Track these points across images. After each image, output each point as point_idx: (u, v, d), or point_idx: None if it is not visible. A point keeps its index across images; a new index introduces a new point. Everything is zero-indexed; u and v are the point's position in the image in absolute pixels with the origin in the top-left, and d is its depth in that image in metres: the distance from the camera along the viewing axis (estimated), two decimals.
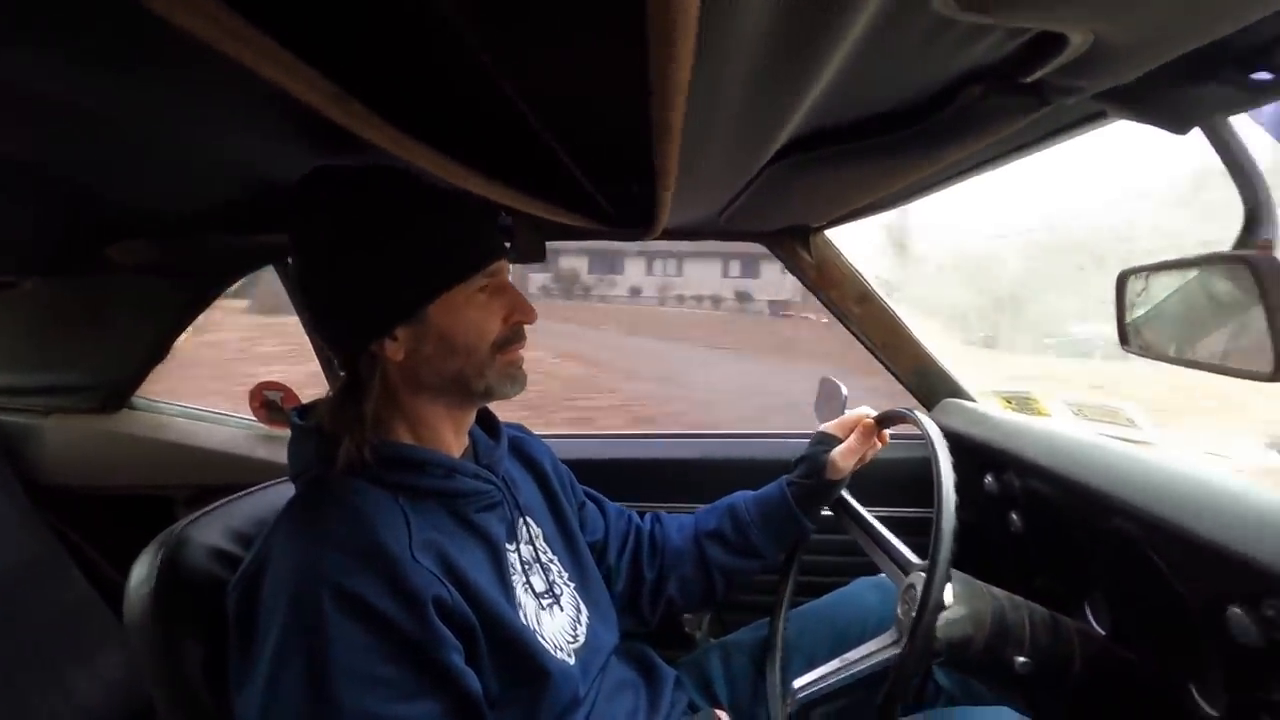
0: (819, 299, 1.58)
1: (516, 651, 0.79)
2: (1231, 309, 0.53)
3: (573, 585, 0.97)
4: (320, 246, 0.79)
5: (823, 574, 1.42)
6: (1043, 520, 1.18)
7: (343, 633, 0.66)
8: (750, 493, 1.19)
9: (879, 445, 1.16)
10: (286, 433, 0.86)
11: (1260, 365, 0.52)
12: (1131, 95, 0.53)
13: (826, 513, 1.19)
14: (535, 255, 1.42)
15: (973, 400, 1.52)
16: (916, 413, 1.03)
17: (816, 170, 0.90)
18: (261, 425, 1.76)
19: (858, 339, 1.58)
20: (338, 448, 0.78)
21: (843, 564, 1.39)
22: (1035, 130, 0.72)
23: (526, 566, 0.90)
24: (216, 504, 0.95)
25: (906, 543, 1.06)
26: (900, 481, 1.45)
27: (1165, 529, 0.83)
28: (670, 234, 1.52)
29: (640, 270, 24.48)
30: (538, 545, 0.95)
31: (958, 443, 1.43)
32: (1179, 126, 0.53)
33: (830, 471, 1.14)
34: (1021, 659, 0.94)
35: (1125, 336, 0.71)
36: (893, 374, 1.59)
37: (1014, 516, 1.25)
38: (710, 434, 1.80)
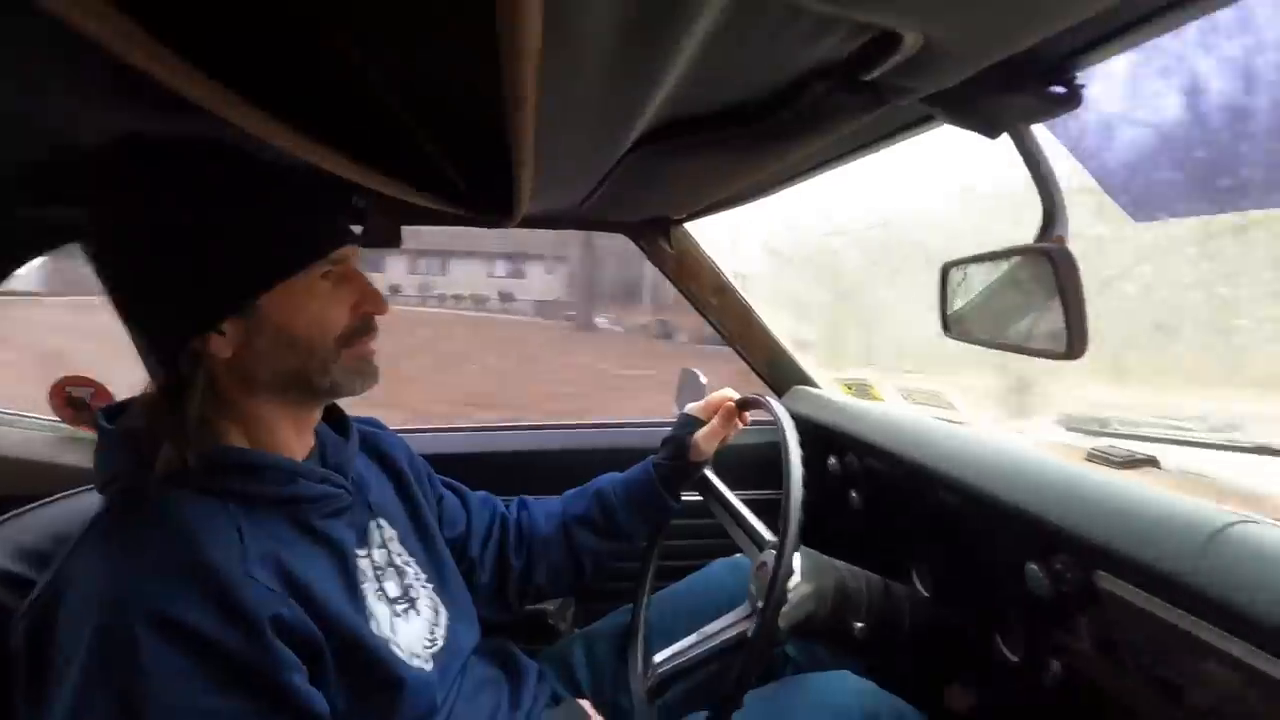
0: (680, 291, 1.62)
1: (367, 664, 0.74)
2: (1035, 296, 0.61)
3: (431, 586, 0.93)
4: (130, 226, 0.68)
5: (682, 558, 1.46)
6: (878, 496, 1.28)
7: (162, 665, 0.58)
8: (617, 475, 1.20)
9: (739, 427, 1.21)
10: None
11: (1058, 346, 0.59)
12: (954, 100, 0.58)
13: (690, 497, 1.23)
14: (390, 240, 1.34)
15: (819, 387, 1.63)
16: (769, 399, 1.08)
17: (675, 161, 0.92)
18: (66, 426, 1.52)
19: (715, 329, 1.63)
20: (156, 452, 0.68)
21: (700, 547, 1.44)
22: (874, 130, 0.77)
23: (379, 572, 0.84)
24: (3, 517, 0.81)
25: (762, 522, 1.11)
26: (755, 466, 1.52)
27: (976, 497, 0.93)
28: (531, 222, 1.49)
29: (402, 269, 24.02)
30: (392, 548, 0.89)
31: (805, 428, 1.52)
32: (991, 131, 0.59)
33: (694, 453, 1.17)
34: (860, 625, 1.02)
35: (947, 324, 0.78)
36: (747, 363, 1.66)
37: (854, 494, 1.36)
38: (577, 424, 1.79)
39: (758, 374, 1.67)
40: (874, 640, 1.04)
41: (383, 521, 0.90)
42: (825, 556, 1.06)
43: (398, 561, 0.89)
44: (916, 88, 0.55)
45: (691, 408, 1.23)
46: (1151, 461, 0.91)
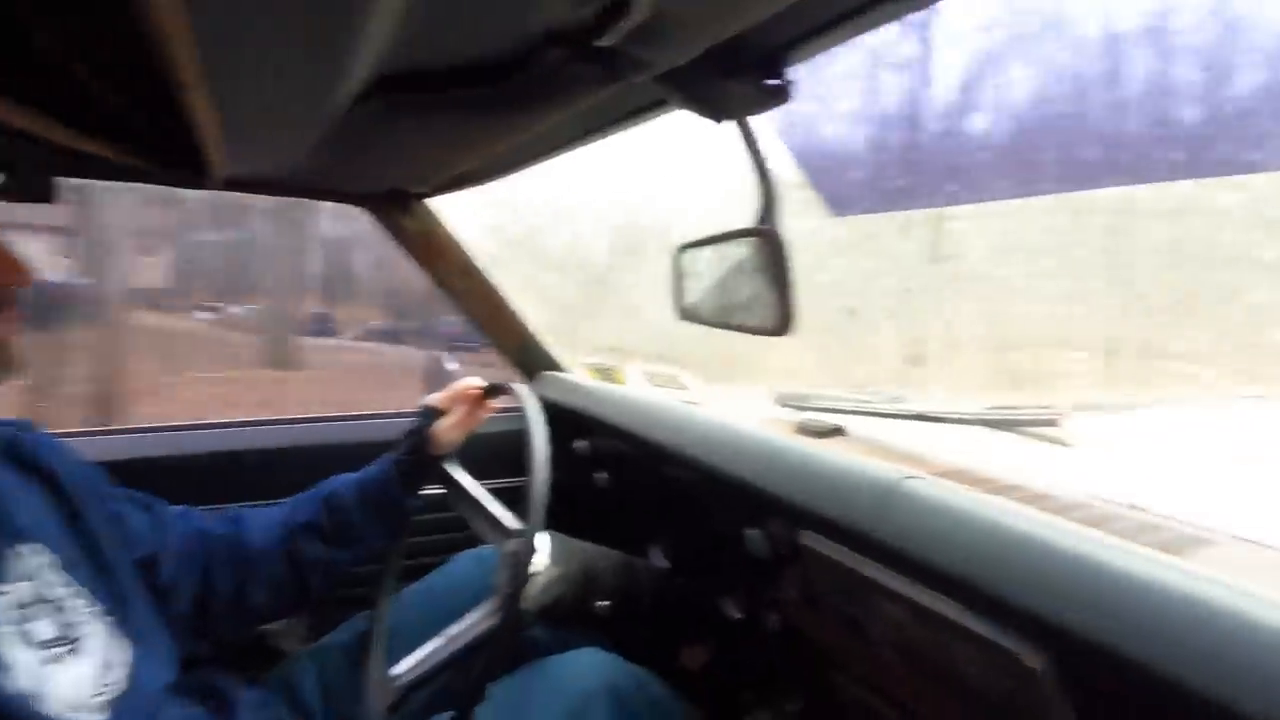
0: (424, 272, 1.51)
1: None
2: (751, 277, 0.65)
3: (107, 621, 0.75)
4: None
5: (429, 554, 1.37)
6: (622, 475, 1.32)
7: None
8: (350, 475, 1.08)
9: (485, 416, 1.16)
10: None
11: (769, 324, 0.64)
12: (684, 83, 0.60)
13: (432, 491, 1.15)
14: (38, 193, 1.05)
15: (567, 372, 1.64)
16: (516, 384, 1.05)
17: (406, 125, 0.84)
18: None
19: (462, 314, 1.56)
20: None
21: (447, 541, 1.36)
22: (614, 110, 0.77)
23: (24, 611, 0.66)
24: None
25: (512, 511, 1.08)
26: (505, 453, 1.49)
27: (703, 471, 1.00)
28: (240, 185, 1.28)
29: None
30: (44, 579, 0.70)
31: (554, 412, 1.52)
32: (717, 117, 0.62)
33: (436, 445, 1.10)
34: (603, 603, 1.04)
35: (680, 306, 0.82)
36: (497, 349, 1.61)
37: (600, 475, 1.39)
38: (303, 418, 1.59)
39: (508, 359, 1.63)
40: (617, 616, 1.07)
41: (29, 548, 0.70)
42: (573, 539, 1.06)
43: (54, 595, 0.70)
44: (648, 61, 0.55)
45: (432, 398, 1.16)
46: (840, 431, 1.06)
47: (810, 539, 0.80)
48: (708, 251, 0.75)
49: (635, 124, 0.78)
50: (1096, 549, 0.55)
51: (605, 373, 1.65)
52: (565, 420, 1.45)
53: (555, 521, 0.93)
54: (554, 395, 1.51)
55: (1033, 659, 0.55)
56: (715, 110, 0.61)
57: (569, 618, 1.06)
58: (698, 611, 1.14)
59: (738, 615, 1.03)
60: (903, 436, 1.07)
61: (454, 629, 0.97)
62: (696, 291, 0.78)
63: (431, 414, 1.13)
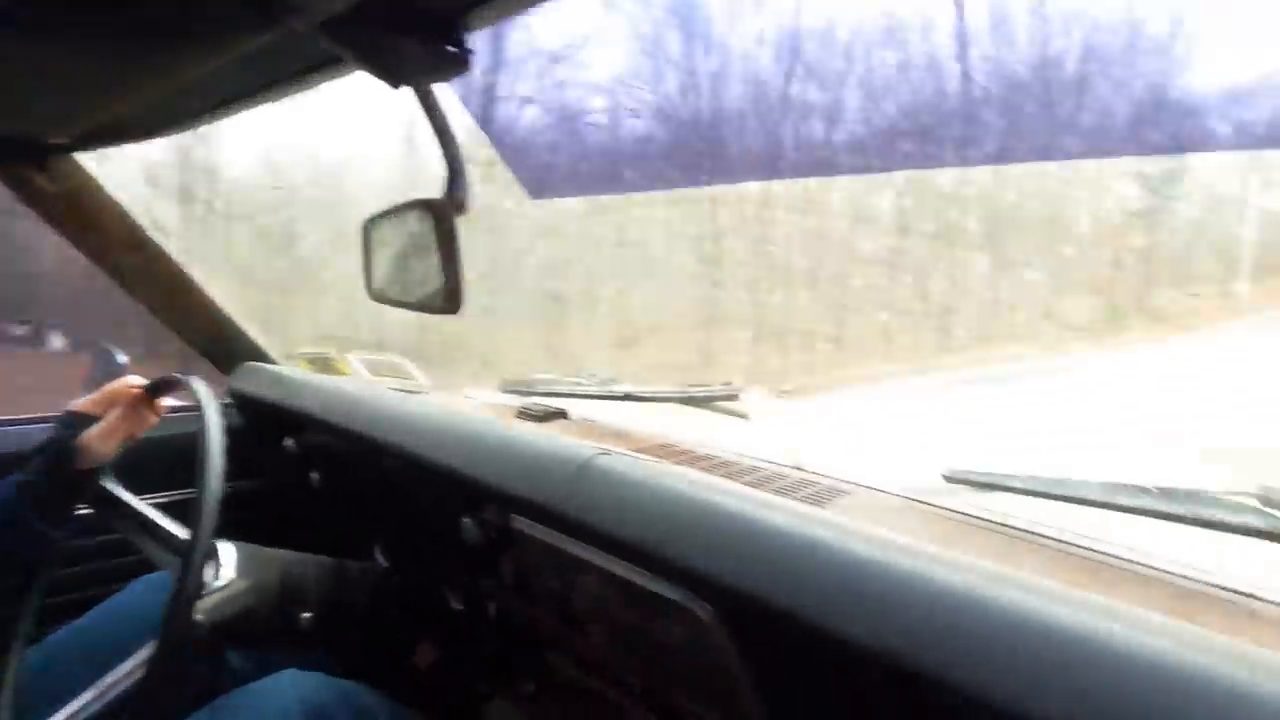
0: (74, 244, 1.24)
1: None
2: (425, 251, 0.62)
3: None
4: None
5: (84, 588, 1.13)
6: (338, 474, 1.22)
7: None
8: None
9: (153, 420, 0.98)
10: None
11: (443, 301, 0.61)
12: (355, 37, 0.54)
13: (85, 510, 0.95)
14: None
15: (275, 362, 1.46)
16: (189, 377, 0.90)
17: (20, 54, 0.67)
18: None
19: (133, 297, 1.30)
20: None
21: (110, 570, 1.14)
22: (284, 65, 0.69)
23: None
24: None
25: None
26: (185, 459, 1.29)
27: (419, 463, 0.95)
28: None
29: None
30: None
31: (259, 408, 1.35)
32: (394, 81, 0.57)
33: (83, 459, 0.90)
34: (307, 615, 0.94)
35: (370, 285, 0.76)
36: (182, 338, 1.38)
37: (314, 475, 1.26)
38: None
39: (198, 351, 1.41)
40: (326, 626, 0.98)
41: None
42: (266, 549, 0.95)
43: None
44: (302, 6, 0.49)
45: (77, 403, 0.95)
46: (562, 414, 1.08)
47: (520, 523, 0.80)
48: (391, 225, 0.70)
49: (312, 83, 0.70)
50: (748, 506, 0.62)
51: (323, 363, 1.50)
52: (273, 417, 1.29)
53: (262, 529, 0.82)
54: (258, 390, 1.34)
55: (703, 612, 0.61)
56: (390, 73, 0.57)
57: (268, 637, 0.94)
58: (423, 609, 1.09)
59: (458, 606, 1.00)
60: (617, 416, 1.12)
61: (110, 677, 0.81)
62: (382, 268, 0.73)
63: (77, 421, 0.93)
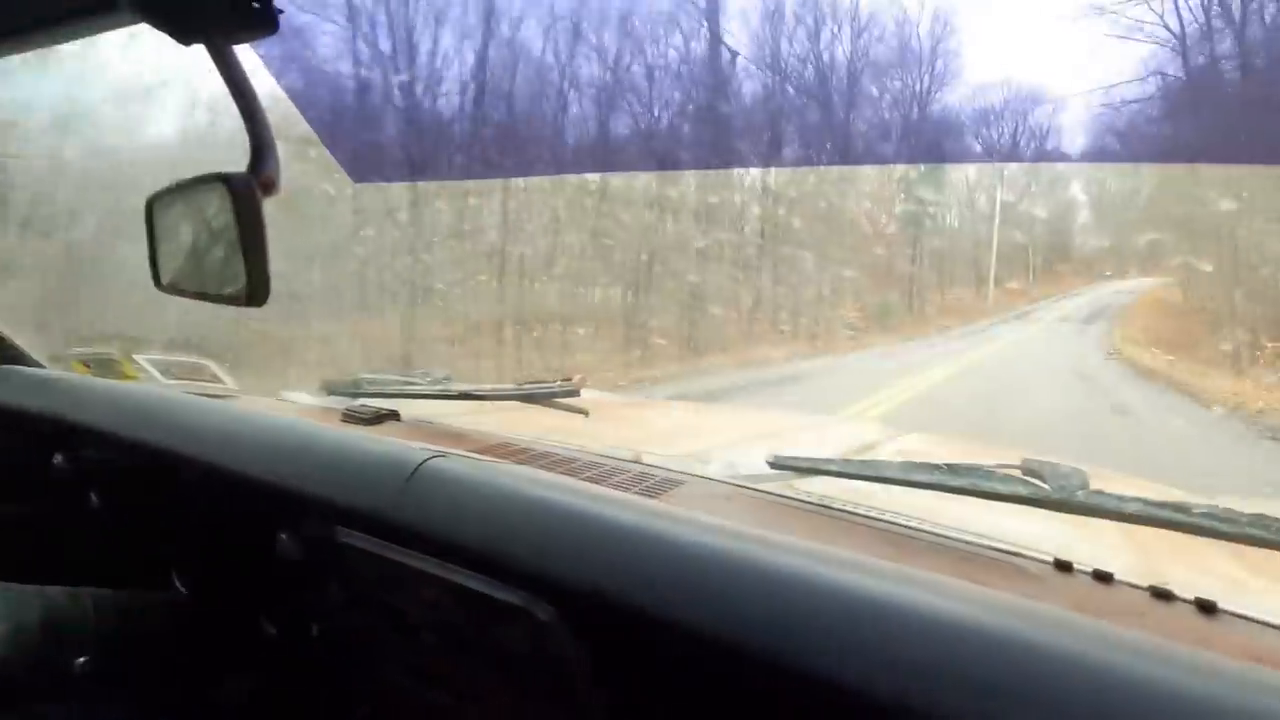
0: None
1: None
2: (224, 236, 0.55)
3: None
4: None
5: None
6: (124, 493, 1.06)
7: None
8: None
9: None
10: None
11: (245, 292, 0.55)
12: None
13: None
14: None
15: (42, 366, 1.24)
16: None
17: None
18: None
19: None
20: None
21: None
22: (50, 5, 0.58)
23: None
24: None
25: None
26: None
27: (226, 477, 0.85)
28: None
29: None
30: None
31: (21, 419, 1.15)
32: (184, 37, 0.50)
33: None
34: (82, 660, 0.81)
35: (158, 274, 0.66)
36: None
37: (93, 496, 1.09)
38: None
39: None
40: (106, 670, 0.85)
41: None
42: (24, 586, 0.80)
43: None
44: None
45: None
46: (394, 415, 1.01)
47: (346, 535, 0.74)
48: (180, 204, 0.61)
49: (89, 28, 0.60)
50: (583, 502, 0.62)
51: (104, 365, 1.30)
52: (38, 430, 1.10)
53: (27, 563, 0.69)
54: (18, 398, 1.13)
55: (544, 613, 0.59)
56: (179, 27, 0.50)
57: (26, 688, 0.80)
58: (231, 638, 0.98)
59: (275, 632, 0.91)
60: (452, 416, 1.07)
61: None
62: (172, 255, 0.64)
63: None
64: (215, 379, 1.24)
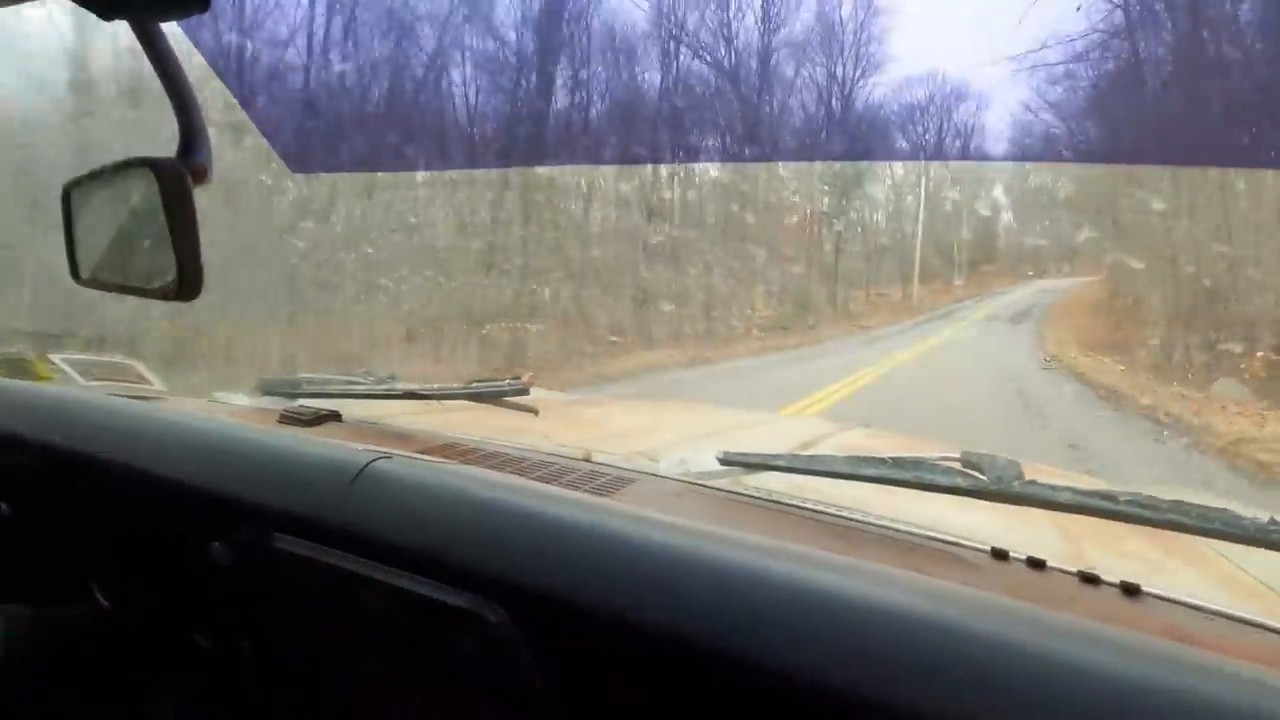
0: None
1: None
2: (150, 225, 0.52)
3: None
4: None
5: None
6: (37, 502, 0.99)
7: None
8: None
9: None
10: None
11: (176, 286, 0.52)
12: None
13: None
14: None
15: None
16: None
17: None
18: None
19: None
20: None
21: None
22: None
23: None
24: None
25: None
26: None
27: (153, 482, 0.80)
28: None
29: None
30: None
31: None
32: (104, 10, 0.47)
33: None
34: None
35: (76, 266, 0.61)
36: None
37: (2, 505, 1.02)
38: None
39: None
40: (20, 689, 0.80)
41: None
42: None
43: None
44: None
45: None
46: (335, 416, 0.98)
47: (285, 541, 0.71)
48: (103, 191, 0.57)
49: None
50: (533, 501, 0.61)
51: (14, 365, 1.21)
52: None
53: None
54: None
55: (494, 615, 0.58)
56: (100, 2, 0.46)
57: None
58: (157, 653, 0.93)
59: (208, 646, 0.86)
60: (397, 417, 1.05)
61: None
62: (93, 247, 0.60)
63: None
64: (141, 380, 1.18)
